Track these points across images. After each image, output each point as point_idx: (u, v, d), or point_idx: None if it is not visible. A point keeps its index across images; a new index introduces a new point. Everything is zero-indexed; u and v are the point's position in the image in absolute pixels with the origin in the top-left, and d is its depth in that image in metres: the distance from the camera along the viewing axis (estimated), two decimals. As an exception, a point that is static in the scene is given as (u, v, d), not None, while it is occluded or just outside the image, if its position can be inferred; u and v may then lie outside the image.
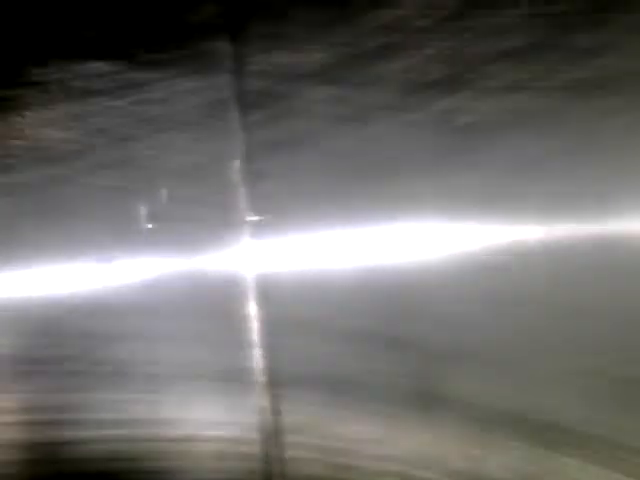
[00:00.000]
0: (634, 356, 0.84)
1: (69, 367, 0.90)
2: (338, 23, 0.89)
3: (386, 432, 0.88)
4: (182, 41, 0.90)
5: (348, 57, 0.88)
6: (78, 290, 0.90)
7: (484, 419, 0.86)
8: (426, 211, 0.86)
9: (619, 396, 0.84)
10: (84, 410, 0.90)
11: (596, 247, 0.83)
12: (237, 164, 0.89)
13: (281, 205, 0.88)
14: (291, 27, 0.90)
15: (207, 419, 0.90)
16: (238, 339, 0.89)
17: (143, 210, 0.89)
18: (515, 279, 0.85)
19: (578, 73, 0.85)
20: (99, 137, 0.90)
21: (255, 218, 0.88)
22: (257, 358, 0.88)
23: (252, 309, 0.88)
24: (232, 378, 0.89)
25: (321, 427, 0.89)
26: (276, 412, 0.89)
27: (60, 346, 0.90)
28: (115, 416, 0.90)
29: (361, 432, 0.88)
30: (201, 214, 0.89)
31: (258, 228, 0.88)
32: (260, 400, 0.89)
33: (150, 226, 0.89)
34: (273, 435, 0.89)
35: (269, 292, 0.88)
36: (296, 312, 0.88)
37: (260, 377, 0.89)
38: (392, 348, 0.87)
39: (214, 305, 0.89)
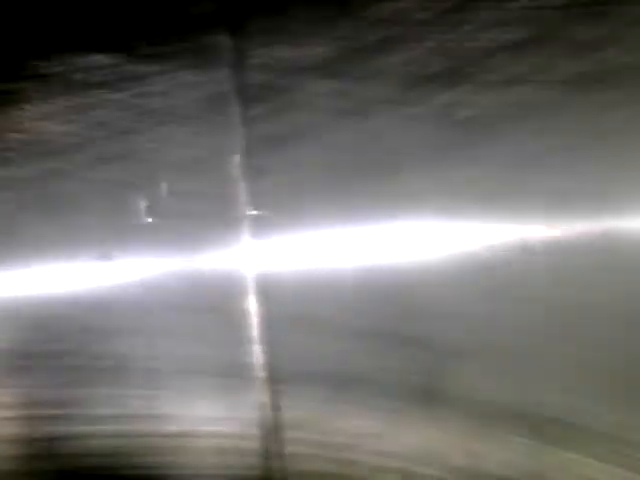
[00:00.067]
0: (636, 352, 0.83)
1: (69, 362, 0.90)
2: (339, 16, 0.89)
3: (386, 428, 0.87)
4: (183, 34, 0.90)
5: (349, 50, 0.88)
6: (78, 284, 0.90)
7: (486, 415, 0.86)
8: (426, 206, 0.86)
9: (621, 391, 0.84)
10: (83, 405, 0.90)
11: (597, 243, 0.83)
12: (237, 158, 0.89)
13: (281, 200, 0.88)
14: (292, 21, 0.90)
15: (207, 415, 0.90)
16: (238, 335, 0.88)
17: (143, 204, 0.89)
18: (516, 275, 0.85)
19: (579, 66, 0.85)
20: (99, 130, 0.90)
21: (255, 213, 0.88)
22: (257, 354, 0.88)
23: (252, 305, 0.88)
24: (232, 374, 0.89)
25: (321, 423, 0.88)
26: (276, 408, 0.88)
27: (59, 341, 0.90)
28: (114, 411, 0.90)
29: (361, 428, 0.88)
30: (201, 209, 0.89)
31: (258, 223, 0.88)
32: (260, 396, 0.88)
33: (150, 220, 0.89)
34: (273, 431, 0.88)
35: (269, 287, 0.88)
36: (296, 308, 0.88)
37: (260, 373, 0.88)
38: (393, 344, 0.87)
39: (213, 300, 0.89)
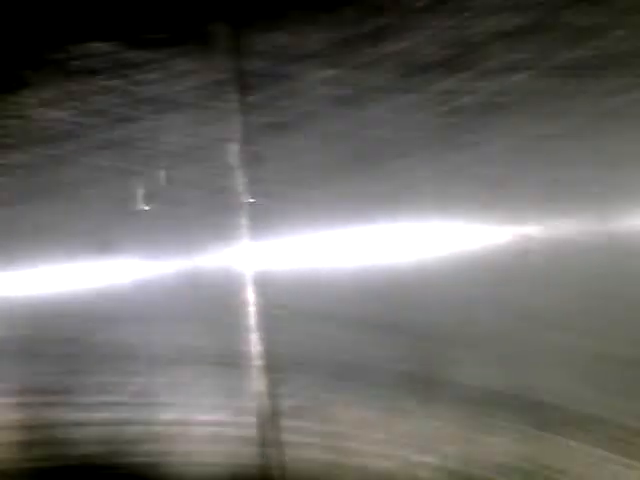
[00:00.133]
0: (635, 338, 0.83)
1: (67, 350, 0.90)
2: (337, 4, 0.89)
3: (383, 416, 0.87)
4: (181, 21, 0.90)
5: (347, 38, 0.88)
6: (76, 272, 0.90)
7: (483, 402, 0.86)
8: (424, 195, 0.86)
9: (619, 378, 0.83)
10: (80, 393, 0.90)
11: (598, 231, 0.83)
12: (235, 146, 0.89)
13: (279, 188, 0.88)
14: (290, 8, 0.89)
15: (204, 403, 0.90)
16: (235, 323, 0.88)
17: (141, 192, 0.89)
18: (515, 261, 0.84)
19: (577, 53, 0.84)
20: (97, 118, 0.90)
21: (253, 201, 0.88)
22: (254, 342, 0.88)
23: (249, 293, 0.88)
24: (229, 362, 0.88)
25: (318, 411, 0.88)
26: (273, 396, 0.88)
27: (58, 329, 0.90)
28: (112, 399, 0.90)
29: (359, 416, 0.88)
30: (199, 196, 0.89)
31: (256, 211, 0.88)
32: (257, 384, 0.88)
33: (148, 208, 0.89)
34: (270, 419, 0.88)
35: (266, 276, 0.88)
36: (294, 297, 0.88)
37: (257, 361, 0.88)
38: (390, 333, 0.86)
39: (211, 289, 0.89)
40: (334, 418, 0.88)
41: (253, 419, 0.89)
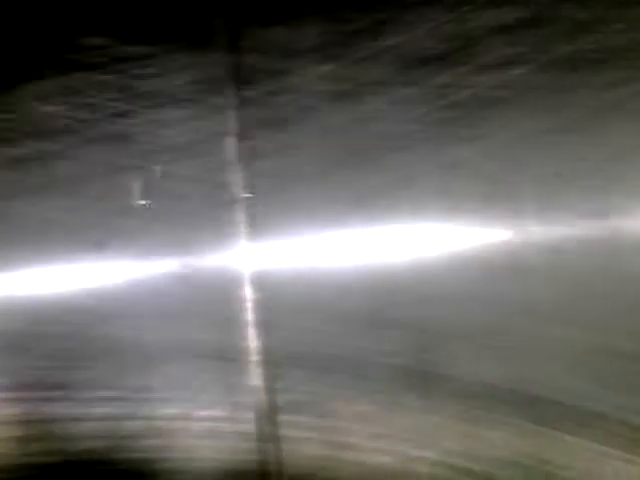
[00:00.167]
0: (635, 333, 0.83)
1: (65, 344, 0.90)
2: (335, -1, 0.88)
3: (381, 410, 0.87)
4: (178, 16, 0.90)
5: (344, 33, 0.88)
6: (74, 267, 0.90)
7: (481, 397, 0.85)
8: (422, 188, 0.85)
9: (620, 373, 0.83)
10: (79, 388, 0.90)
11: (598, 224, 0.83)
12: (232, 141, 0.89)
13: (276, 183, 0.88)
14: (287, 3, 0.89)
15: (202, 398, 0.90)
16: (233, 319, 0.88)
17: (137, 186, 0.89)
18: (514, 254, 0.84)
19: (575, 47, 0.84)
20: (93, 112, 0.90)
21: (250, 195, 0.88)
22: (252, 337, 0.88)
23: (247, 289, 0.88)
24: (227, 357, 0.88)
25: (316, 406, 0.88)
26: (271, 391, 0.88)
27: (57, 323, 0.90)
28: (110, 394, 0.90)
29: (356, 411, 0.88)
30: (195, 191, 0.88)
31: (253, 206, 0.88)
32: (255, 379, 0.88)
33: (144, 203, 0.89)
34: (267, 413, 0.88)
35: (264, 272, 0.87)
36: (292, 292, 0.87)
37: (255, 356, 0.88)
38: (387, 328, 0.86)
39: (209, 285, 0.88)
40: (332, 413, 0.88)
41: (251, 414, 0.89)
